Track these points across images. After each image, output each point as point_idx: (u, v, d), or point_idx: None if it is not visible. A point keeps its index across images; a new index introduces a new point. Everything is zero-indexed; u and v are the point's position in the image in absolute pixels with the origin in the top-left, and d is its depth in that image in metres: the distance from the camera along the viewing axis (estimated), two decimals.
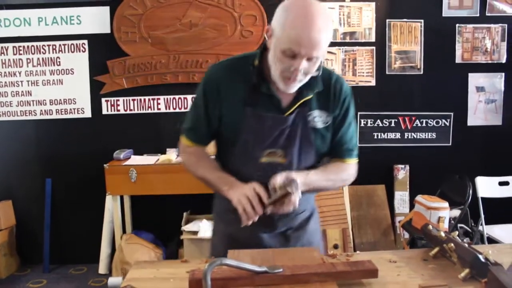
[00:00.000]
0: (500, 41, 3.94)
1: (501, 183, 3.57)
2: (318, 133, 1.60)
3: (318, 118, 1.59)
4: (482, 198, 3.49)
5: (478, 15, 3.90)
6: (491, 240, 3.37)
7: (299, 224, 1.72)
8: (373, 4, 3.86)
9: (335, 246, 3.34)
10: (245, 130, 1.56)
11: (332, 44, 3.87)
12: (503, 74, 3.96)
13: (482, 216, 3.44)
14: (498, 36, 3.93)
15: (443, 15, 3.89)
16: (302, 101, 1.55)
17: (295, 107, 1.56)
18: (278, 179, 1.43)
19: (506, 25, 3.92)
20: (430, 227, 1.42)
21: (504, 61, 3.95)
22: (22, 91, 3.90)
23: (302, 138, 1.58)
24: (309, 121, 1.58)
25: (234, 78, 1.57)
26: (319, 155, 1.64)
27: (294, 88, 1.50)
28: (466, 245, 1.27)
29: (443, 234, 1.36)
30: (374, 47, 3.91)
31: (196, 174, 1.69)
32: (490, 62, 3.95)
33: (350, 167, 1.69)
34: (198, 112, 1.63)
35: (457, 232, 1.37)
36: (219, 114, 1.59)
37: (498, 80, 3.96)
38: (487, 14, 3.90)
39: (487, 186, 3.53)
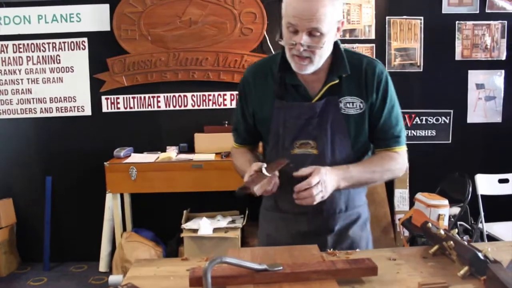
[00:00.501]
0: (500, 38, 3.93)
1: (501, 181, 3.57)
2: (352, 120, 1.54)
3: (350, 105, 1.53)
4: (482, 196, 3.49)
5: (478, 12, 3.90)
6: (491, 238, 3.38)
7: (340, 228, 1.65)
8: (372, 1, 3.86)
9: None
10: (274, 122, 1.58)
11: None
12: (503, 71, 3.95)
13: (482, 213, 3.44)
14: (498, 33, 3.93)
15: (443, 12, 3.89)
16: (327, 86, 1.53)
17: (321, 93, 1.54)
18: (305, 169, 1.41)
19: (506, 22, 3.91)
20: (430, 224, 1.42)
21: (504, 58, 3.95)
22: (22, 89, 3.90)
23: (334, 126, 1.53)
24: (341, 108, 1.53)
25: (265, 74, 1.61)
26: (355, 146, 1.57)
27: (306, 68, 1.47)
28: (466, 242, 1.27)
29: (442, 232, 1.36)
30: (373, 44, 3.91)
31: (238, 173, 1.76)
32: (490, 59, 3.94)
33: (398, 156, 1.59)
34: (237, 113, 1.71)
35: (456, 230, 1.37)
36: (253, 111, 1.64)
37: (498, 77, 3.96)
38: (487, 11, 3.90)
39: (487, 184, 3.54)
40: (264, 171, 1.42)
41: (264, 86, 1.61)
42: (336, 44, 1.54)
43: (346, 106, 1.53)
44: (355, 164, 1.52)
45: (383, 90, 1.55)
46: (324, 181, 1.39)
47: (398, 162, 1.58)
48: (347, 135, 1.54)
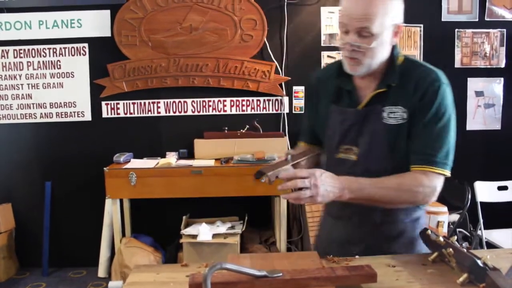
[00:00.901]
0: (499, 46, 3.95)
1: (500, 188, 3.57)
2: (391, 130, 1.48)
3: (393, 114, 1.48)
4: (481, 203, 3.49)
5: (477, 20, 3.92)
6: (490, 245, 3.38)
7: (375, 243, 1.57)
8: None
9: None
10: (327, 126, 1.61)
11: (332, 49, 3.89)
12: (502, 78, 3.97)
13: (481, 220, 3.44)
14: (497, 41, 3.95)
15: (443, 19, 3.91)
16: (374, 93, 1.51)
17: (366, 101, 1.53)
18: (303, 171, 1.37)
19: (505, 30, 3.93)
20: (429, 231, 1.42)
21: (503, 65, 3.97)
22: (23, 94, 3.91)
23: (373, 134, 1.51)
24: (383, 117, 1.49)
25: (328, 78, 1.64)
26: (395, 157, 1.50)
27: (356, 69, 1.47)
28: (465, 250, 1.28)
29: (442, 239, 1.36)
30: None
31: None
32: (489, 66, 3.96)
33: (424, 178, 1.43)
34: (304, 111, 1.76)
35: (456, 237, 1.37)
36: (316, 114, 1.67)
37: (497, 85, 3.97)
38: (486, 19, 3.92)
39: (486, 191, 3.54)
40: (288, 158, 1.41)
41: (326, 90, 1.64)
42: (392, 51, 1.52)
43: (388, 116, 1.49)
44: (370, 178, 1.43)
45: (429, 99, 1.45)
46: (315, 185, 1.33)
47: (423, 184, 1.43)
48: (385, 145, 1.50)
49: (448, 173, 1.46)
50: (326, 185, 1.35)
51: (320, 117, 1.66)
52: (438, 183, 1.45)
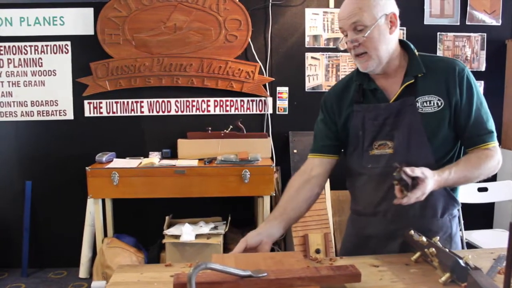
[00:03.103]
0: (479, 50, 4.02)
1: (480, 189, 3.62)
2: (429, 119, 1.54)
3: (427, 103, 1.54)
4: (462, 204, 3.52)
5: (458, 24, 3.98)
6: (470, 245, 3.42)
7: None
8: None
9: (317, 251, 3.36)
10: (353, 126, 1.64)
11: (315, 50, 3.91)
12: (482, 82, 4.03)
13: (462, 221, 3.49)
14: (478, 45, 4.01)
15: (425, 23, 3.96)
16: (403, 86, 1.56)
17: (397, 94, 1.57)
18: (416, 170, 1.37)
19: (485, 34, 4.00)
20: (412, 232, 1.44)
21: (483, 69, 4.03)
22: (3, 92, 3.84)
23: (410, 125, 1.54)
24: (418, 107, 1.54)
25: (345, 87, 1.69)
26: (434, 144, 1.54)
27: (368, 65, 1.54)
28: (447, 250, 1.29)
29: (424, 239, 1.38)
30: None
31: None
32: (470, 70, 4.01)
33: (494, 153, 1.55)
34: (317, 122, 1.78)
35: (438, 237, 1.39)
36: (336, 124, 1.70)
37: None
38: (467, 23, 3.98)
39: (467, 192, 3.58)
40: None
41: (347, 97, 1.67)
42: (407, 46, 1.62)
43: (423, 105, 1.54)
44: (454, 168, 1.48)
45: (467, 87, 1.55)
46: (425, 192, 1.38)
47: (495, 158, 1.55)
48: (423, 134, 1.53)
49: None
50: (431, 179, 1.39)
51: (343, 123, 1.68)
52: (500, 152, 1.57)
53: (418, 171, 1.36)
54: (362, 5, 1.49)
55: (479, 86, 1.60)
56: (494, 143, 1.55)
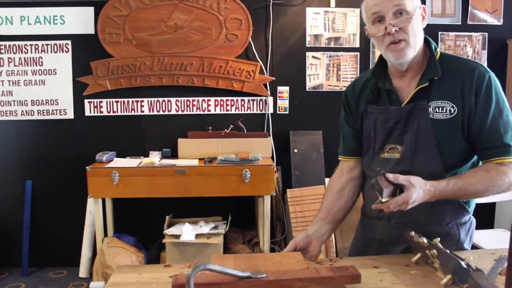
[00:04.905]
0: (481, 49, 4.00)
1: None
2: (440, 126, 1.46)
3: (439, 109, 1.46)
4: None
5: (460, 23, 3.96)
6: (472, 246, 3.41)
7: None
8: (358, 10, 3.89)
9: None
10: (366, 127, 1.61)
11: (316, 49, 3.90)
12: None
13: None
14: (479, 44, 4.00)
15: (426, 22, 3.94)
16: (416, 89, 1.49)
17: (410, 97, 1.51)
18: (400, 177, 1.35)
19: (486, 33, 3.99)
20: (413, 233, 1.43)
21: None
22: (3, 91, 3.84)
23: (419, 131, 1.48)
24: (429, 112, 1.47)
25: (365, 83, 1.64)
26: (444, 153, 1.47)
27: (405, 53, 1.46)
28: (448, 251, 1.28)
29: (425, 241, 1.37)
30: (358, 53, 3.94)
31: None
32: None
33: (507, 169, 1.42)
34: (342, 122, 1.74)
35: (439, 239, 1.38)
36: (357, 122, 1.67)
37: None
38: (468, 23, 3.96)
39: None
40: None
41: (363, 97, 1.64)
42: (429, 45, 1.54)
43: (435, 111, 1.47)
44: (453, 181, 1.41)
45: (485, 93, 1.44)
46: (412, 202, 1.34)
47: (508, 175, 1.42)
48: (433, 141, 1.46)
49: None
50: (420, 200, 1.36)
51: (361, 124, 1.66)
52: None
53: (401, 178, 1.33)
54: None
55: (504, 96, 1.48)
56: (510, 159, 1.43)
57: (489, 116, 1.44)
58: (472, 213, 1.62)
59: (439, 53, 1.53)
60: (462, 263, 1.20)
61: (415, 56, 1.49)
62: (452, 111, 1.45)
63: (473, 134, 1.46)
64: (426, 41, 1.55)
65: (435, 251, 1.30)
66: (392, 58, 1.48)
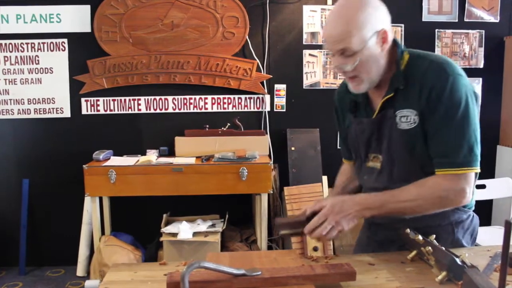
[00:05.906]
0: (478, 47, 4.00)
1: (478, 186, 3.62)
2: (406, 135, 1.43)
3: (404, 118, 1.43)
4: None
5: (456, 20, 3.96)
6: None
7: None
8: None
9: (315, 249, 3.36)
10: (351, 137, 1.64)
11: (313, 47, 3.89)
12: (481, 79, 4.02)
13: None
14: (476, 42, 4.00)
15: (423, 19, 3.95)
16: (382, 101, 1.47)
17: (377, 109, 1.50)
18: (313, 207, 1.41)
19: (483, 31, 3.99)
20: (408, 230, 1.43)
21: (481, 66, 4.02)
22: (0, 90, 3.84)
23: (391, 141, 1.47)
24: (397, 122, 1.45)
25: (345, 92, 1.62)
26: (420, 162, 1.44)
27: (360, 88, 1.45)
28: (443, 248, 1.29)
29: (420, 238, 1.37)
30: None
31: None
32: (468, 67, 4.01)
33: (446, 181, 1.38)
34: (336, 126, 1.77)
35: (434, 236, 1.38)
36: (344, 127, 1.69)
37: (475, 85, 4.02)
38: (465, 20, 3.97)
39: None
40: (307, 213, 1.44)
41: (345, 102, 1.65)
42: (395, 55, 1.47)
43: (401, 120, 1.44)
44: (390, 192, 1.41)
45: (437, 95, 1.36)
46: (333, 214, 1.36)
47: (444, 188, 1.38)
48: (403, 150, 1.45)
49: (476, 169, 1.40)
50: (344, 211, 1.38)
51: (346, 130, 1.68)
52: (464, 183, 1.39)
53: (310, 208, 1.41)
54: (350, 28, 1.35)
55: (464, 102, 1.35)
56: (454, 171, 1.37)
57: (437, 120, 1.38)
58: (472, 210, 1.64)
59: (407, 57, 1.46)
60: (457, 260, 1.20)
61: (380, 76, 1.45)
62: (416, 120, 1.41)
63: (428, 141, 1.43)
64: (394, 43, 1.48)
65: (430, 248, 1.30)
66: (351, 89, 1.50)
